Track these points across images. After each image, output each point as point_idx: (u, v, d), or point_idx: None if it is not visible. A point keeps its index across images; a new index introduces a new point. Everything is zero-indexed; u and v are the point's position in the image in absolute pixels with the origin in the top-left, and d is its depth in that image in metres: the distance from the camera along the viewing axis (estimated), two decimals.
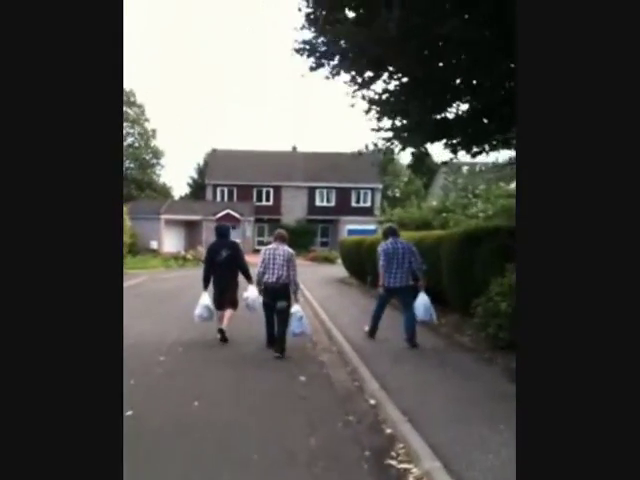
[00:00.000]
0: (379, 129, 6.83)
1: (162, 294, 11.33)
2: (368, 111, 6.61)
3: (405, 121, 6.64)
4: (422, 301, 5.79)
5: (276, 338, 5.65)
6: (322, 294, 10.42)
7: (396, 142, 6.98)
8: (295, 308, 5.66)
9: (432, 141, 6.94)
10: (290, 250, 5.72)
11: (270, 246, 5.85)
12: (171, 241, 27.87)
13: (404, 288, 5.80)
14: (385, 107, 6.49)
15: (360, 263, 11.34)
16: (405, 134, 6.85)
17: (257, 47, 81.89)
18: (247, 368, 5.15)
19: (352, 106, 6.67)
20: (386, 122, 6.77)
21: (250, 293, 6.16)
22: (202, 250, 22.31)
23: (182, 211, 29.30)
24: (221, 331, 6.11)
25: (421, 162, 7.90)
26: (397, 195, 46.92)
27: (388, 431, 3.44)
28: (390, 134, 6.88)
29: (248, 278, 6.28)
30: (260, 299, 5.86)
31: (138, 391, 4.18)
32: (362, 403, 4.12)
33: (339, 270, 17.82)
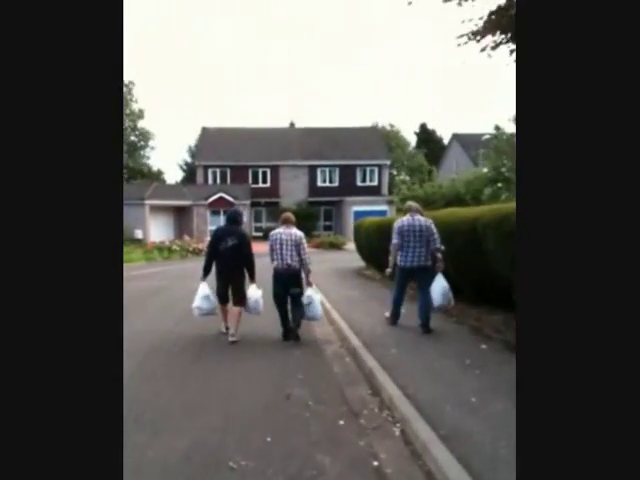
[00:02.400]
0: None
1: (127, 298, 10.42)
2: None
3: None
4: (439, 285, 5.68)
5: (292, 326, 5.71)
6: (340, 296, 8.63)
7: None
8: (308, 292, 5.71)
9: None
10: (299, 233, 5.70)
11: (277, 230, 5.79)
12: (158, 229, 26.87)
13: (421, 269, 5.68)
14: None
15: (383, 250, 10.23)
16: None
17: (249, 16, 79.88)
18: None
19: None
20: None
21: (253, 293, 5.90)
22: (189, 239, 21.38)
23: (169, 196, 28.25)
24: (229, 333, 5.78)
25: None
26: (402, 174, 45.90)
27: None
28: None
29: (252, 275, 5.99)
30: (261, 301, 5.88)
31: None
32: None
33: (350, 258, 16.78)
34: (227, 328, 5.93)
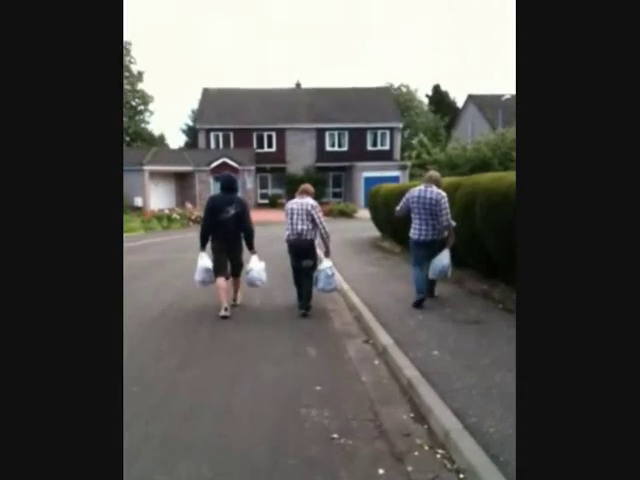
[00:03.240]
0: None
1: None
2: None
3: None
4: (440, 262, 5.45)
5: (302, 298, 5.56)
6: (358, 273, 7.64)
7: None
8: (325, 264, 5.57)
9: None
10: (310, 202, 5.53)
11: (291, 201, 5.72)
12: (159, 197, 25.79)
13: (428, 242, 5.45)
14: None
15: (403, 220, 9.06)
16: None
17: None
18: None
19: None
20: None
21: (254, 264, 5.79)
22: (191, 207, 20.30)
23: (170, 161, 26.99)
24: (225, 316, 5.39)
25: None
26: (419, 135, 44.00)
27: None
28: None
29: (251, 245, 5.85)
30: (264, 274, 5.83)
31: None
32: None
33: (362, 226, 15.66)
34: (226, 309, 5.46)
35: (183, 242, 13.53)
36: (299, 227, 5.43)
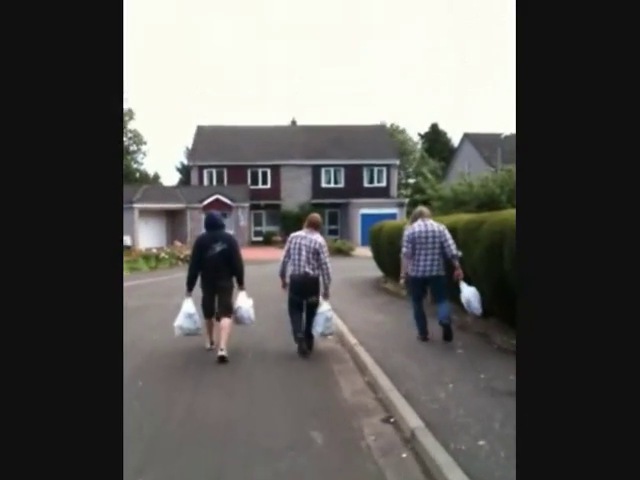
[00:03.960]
0: None
1: None
2: None
3: None
4: (471, 292, 5.39)
5: (305, 336, 5.34)
6: (364, 322, 6.65)
7: None
8: (324, 307, 5.39)
9: None
10: (319, 240, 5.33)
11: (298, 233, 5.48)
12: (148, 235, 24.93)
13: (434, 278, 5.38)
14: None
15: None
16: None
17: (247, 14, 78.28)
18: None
19: None
20: None
21: (242, 302, 5.49)
22: (180, 245, 19.39)
23: (161, 198, 26.29)
24: (221, 357, 5.02)
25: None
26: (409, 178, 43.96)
27: None
28: None
29: (241, 282, 5.54)
30: (252, 311, 5.54)
31: None
32: None
33: (361, 265, 14.77)
34: (212, 343, 5.42)
35: (169, 284, 12.53)
36: (307, 267, 5.22)
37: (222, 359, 4.99)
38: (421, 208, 5.74)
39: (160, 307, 8.77)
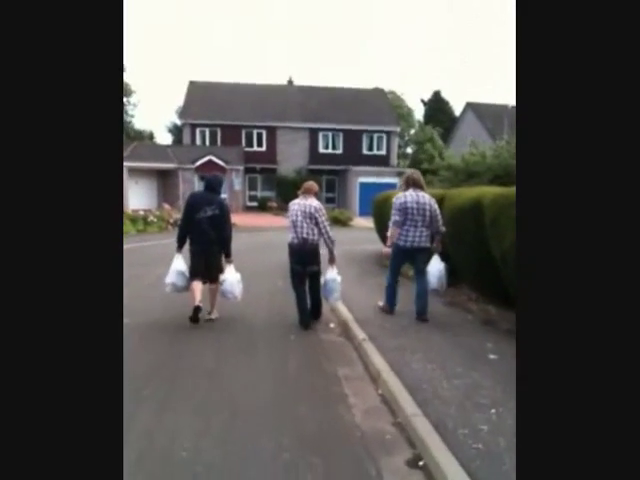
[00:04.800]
0: None
1: None
2: None
3: None
4: (436, 268, 5.52)
5: (305, 307, 5.22)
6: (369, 311, 5.67)
7: None
8: (330, 274, 5.29)
9: None
10: (314, 204, 5.18)
11: (295, 200, 5.33)
12: (139, 196, 23.73)
13: (421, 249, 5.34)
14: None
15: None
16: None
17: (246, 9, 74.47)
18: None
19: None
20: None
21: (228, 275, 5.34)
22: (169, 208, 18.30)
23: (151, 157, 24.91)
24: (197, 310, 5.05)
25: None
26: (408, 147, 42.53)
27: None
28: None
29: (227, 252, 5.39)
30: (240, 285, 5.37)
31: None
32: None
33: (361, 237, 13.88)
34: (200, 301, 5.11)
35: (155, 251, 11.57)
36: (304, 232, 5.09)
37: (211, 320, 5.32)
38: (413, 175, 5.48)
39: (141, 278, 7.83)
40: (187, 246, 5.39)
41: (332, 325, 5.40)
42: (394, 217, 5.26)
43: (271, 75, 68.94)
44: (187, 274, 5.27)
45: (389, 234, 5.41)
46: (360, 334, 4.80)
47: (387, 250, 5.52)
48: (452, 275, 7.21)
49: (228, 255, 5.34)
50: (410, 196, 5.25)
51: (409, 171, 5.76)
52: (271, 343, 4.73)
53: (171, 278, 5.27)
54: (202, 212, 5.18)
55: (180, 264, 5.28)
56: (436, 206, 5.32)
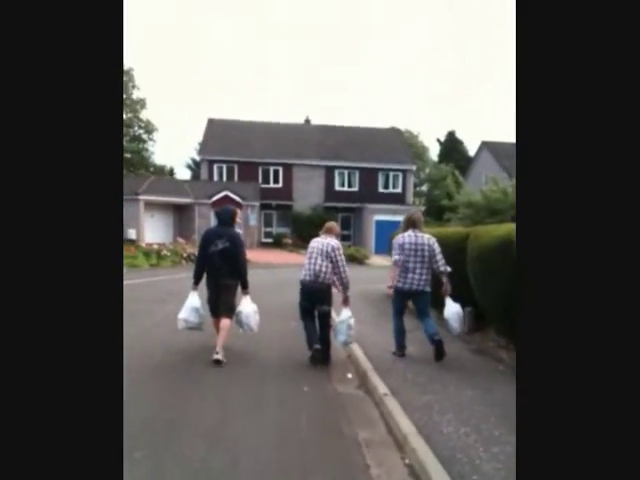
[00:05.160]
0: None
1: None
2: None
3: None
4: (454, 311, 5.27)
5: (319, 348, 4.97)
6: (389, 358, 5.19)
7: None
8: (345, 314, 5.13)
9: None
10: (332, 243, 5.15)
11: (315, 239, 5.33)
12: (155, 230, 23.69)
13: (419, 293, 5.18)
14: None
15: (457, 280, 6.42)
16: None
17: (254, 13, 77.26)
18: None
19: None
20: None
21: (244, 307, 5.18)
22: (183, 242, 18.10)
23: (168, 192, 25.01)
24: (216, 361, 4.84)
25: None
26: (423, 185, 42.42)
27: None
28: None
29: (244, 284, 5.24)
30: (257, 317, 5.26)
31: None
32: None
33: (376, 276, 13.38)
34: (217, 353, 4.92)
35: (166, 286, 11.24)
36: (316, 267, 5.03)
37: (217, 362, 4.87)
38: (414, 216, 5.41)
39: (151, 314, 7.44)
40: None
41: (349, 375, 4.90)
42: (395, 256, 5.20)
43: (271, 75, 69.44)
44: (202, 311, 5.21)
45: (389, 278, 5.34)
46: (381, 387, 4.29)
47: (390, 291, 5.42)
48: (478, 319, 6.69)
49: (245, 287, 5.24)
50: (408, 237, 5.22)
51: (412, 210, 5.78)
52: (281, 396, 4.24)
53: (184, 314, 5.15)
54: (213, 246, 5.13)
55: (195, 300, 5.19)
56: (436, 246, 5.20)
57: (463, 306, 6.91)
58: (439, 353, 5.05)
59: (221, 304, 5.17)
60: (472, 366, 5.07)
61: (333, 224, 5.42)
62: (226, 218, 5.32)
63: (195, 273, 5.26)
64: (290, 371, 4.93)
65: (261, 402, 4.07)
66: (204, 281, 5.30)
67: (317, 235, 5.44)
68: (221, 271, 5.12)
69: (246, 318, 5.15)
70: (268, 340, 5.99)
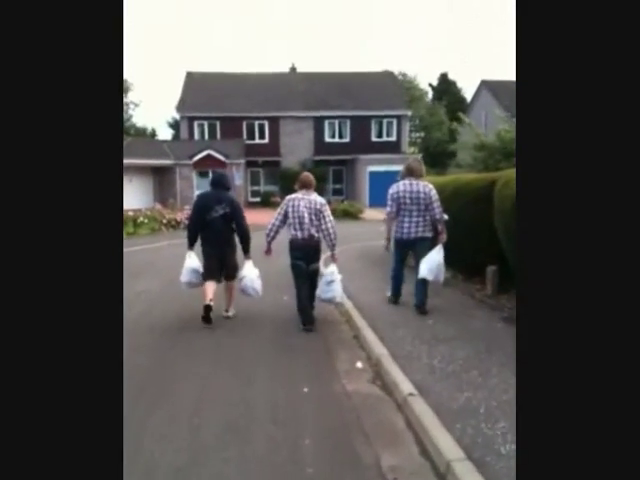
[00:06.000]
0: None
1: None
2: None
3: None
4: (434, 259, 5.04)
5: (307, 305, 4.97)
6: (406, 337, 4.53)
7: None
8: (330, 268, 5.07)
9: None
10: (320, 199, 5.02)
11: (294, 195, 5.05)
12: (134, 194, 22.25)
13: (419, 240, 5.14)
14: None
15: (481, 234, 5.63)
16: None
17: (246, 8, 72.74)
18: None
19: None
20: None
21: (247, 271, 5.21)
22: (160, 208, 16.87)
23: (146, 153, 23.46)
24: (208, 308, 4.95)
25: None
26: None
27: None
28: None
29: (247, 250, 5.28)
30: (259, 281, 5.25)
31: None
32: None
33: (373, 231, 12.35)
34: (210, 300, 4.95)
35: (141, 257, 10.14)
36: (312, 229, 4.90)
37: (227, 318, 5.26)
38: (411, 164, 5.31)
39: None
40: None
41: (359, 365, 3.92)
42: (387, 208, 5.22)
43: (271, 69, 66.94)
44: (201, 270, 5.20)
45: (385, 227, 5.43)
46: (404, 384, 3.29)
47: (388, 245, 5.45)
48: (505, 279, 5.76)
49: (247, 251, 5.26)
50: (403, 185, 5.14)
51: (410, 159, 5.68)
52: (276, 405, 3.25)
53: (185, 277, 5.24)
54: (213, 212, 5.09)
55: (194, 262, 5.24)
56: (432, 193, 5.07)
57: (486, 264, 5.95)
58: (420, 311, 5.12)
59: (228, 267, 5.26)
60: (511, 342, 4.12)
61: (309, 176, 5.10)
62: (223, 181, 5.34)
63: (189, 237, 5.26)
64: (286, 366, 3.95)
65: (251, 415, 3.08)
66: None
67: None
68: (224, 236, 5.19)
69: (250, 282, 5.18)
70: (260, 322, 5.02)
